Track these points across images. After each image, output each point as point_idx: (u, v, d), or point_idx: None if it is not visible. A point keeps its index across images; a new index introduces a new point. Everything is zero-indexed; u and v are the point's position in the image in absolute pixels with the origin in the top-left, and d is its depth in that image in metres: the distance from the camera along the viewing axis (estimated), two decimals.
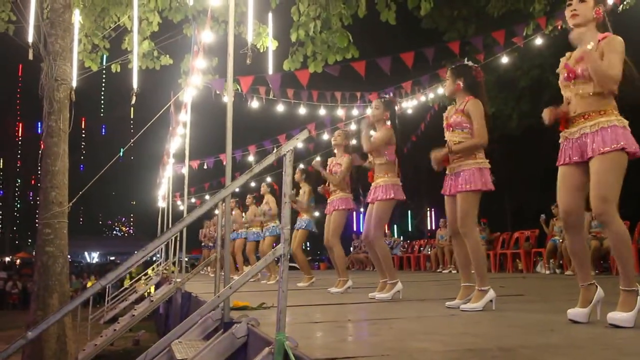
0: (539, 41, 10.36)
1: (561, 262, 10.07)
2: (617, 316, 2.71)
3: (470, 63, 4.18)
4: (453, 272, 11.62)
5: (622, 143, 2.75)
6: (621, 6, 8.96)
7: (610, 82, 2.79)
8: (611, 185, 2.74)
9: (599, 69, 2.80)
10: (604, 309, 2.95)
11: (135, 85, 6.13)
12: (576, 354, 2.21)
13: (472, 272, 3.98)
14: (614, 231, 2.73)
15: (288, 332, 2.36)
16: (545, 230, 10.88)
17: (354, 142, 7.03)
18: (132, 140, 8.96)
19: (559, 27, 9.83)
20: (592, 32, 2.94)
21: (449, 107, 4.20)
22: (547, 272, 10.32)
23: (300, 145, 2.80)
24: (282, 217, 2.45)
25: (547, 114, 3.00)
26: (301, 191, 7.67)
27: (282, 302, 2.38)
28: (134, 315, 7.70)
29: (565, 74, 2.99)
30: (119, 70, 8.46)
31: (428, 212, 29.35)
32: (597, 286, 2.95)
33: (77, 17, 6.46)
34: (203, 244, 15.07)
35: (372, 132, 5.29)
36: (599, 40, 2.88)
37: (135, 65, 6.32)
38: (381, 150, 5.05)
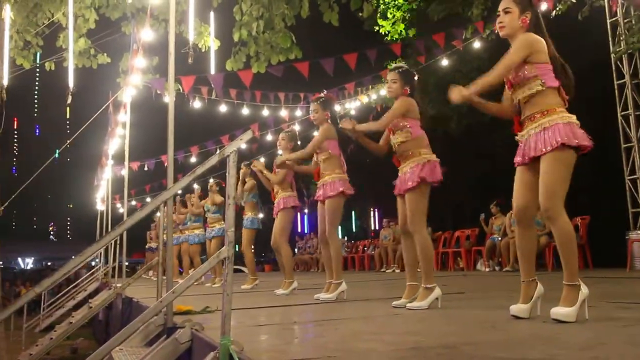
0: (477, 44, 10.63)
1: (500, 259, 10.36)
2: (560, 311, 2.77)
3: (410, 69, 4.24)
4: (396, 271, 11.78)
5: (558, 140, 2.80)
6: (554, 12, 9.30)
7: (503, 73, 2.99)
8: (556, 182, 2.81)
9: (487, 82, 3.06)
10: (542, 305, 3.04)
11: (71, 84, 5.90)
12: (517, 349, 2.26)
13: (419, 270, 4.01)
14: (559, 227, 2.80)
15: (233, 336, 2.32)
16: (485, 229, 11.16)
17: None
18: (68, 142, 8.64)
19: (496, 31, 10.10)
20: None
21: None
22: (487, 269, 10.59)
23: (243, 146, 2.76)
24: (227, 218, 2.40)
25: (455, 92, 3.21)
26: (246, 185, 7.49)
27: (226, 305, 2.34)
28: (71, 323, 7.42)
29: (507, 84, 3.12)
30: (53, 68, 8.14)
31: (371, 213, 29.62)
32: (537, 282, 3.03)
33: (7, 13, 6.18)
34: (147, 246, 14.68)
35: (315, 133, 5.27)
36: None
37: (70, 63, 6.09)
38: (322, 146, 5.03)
